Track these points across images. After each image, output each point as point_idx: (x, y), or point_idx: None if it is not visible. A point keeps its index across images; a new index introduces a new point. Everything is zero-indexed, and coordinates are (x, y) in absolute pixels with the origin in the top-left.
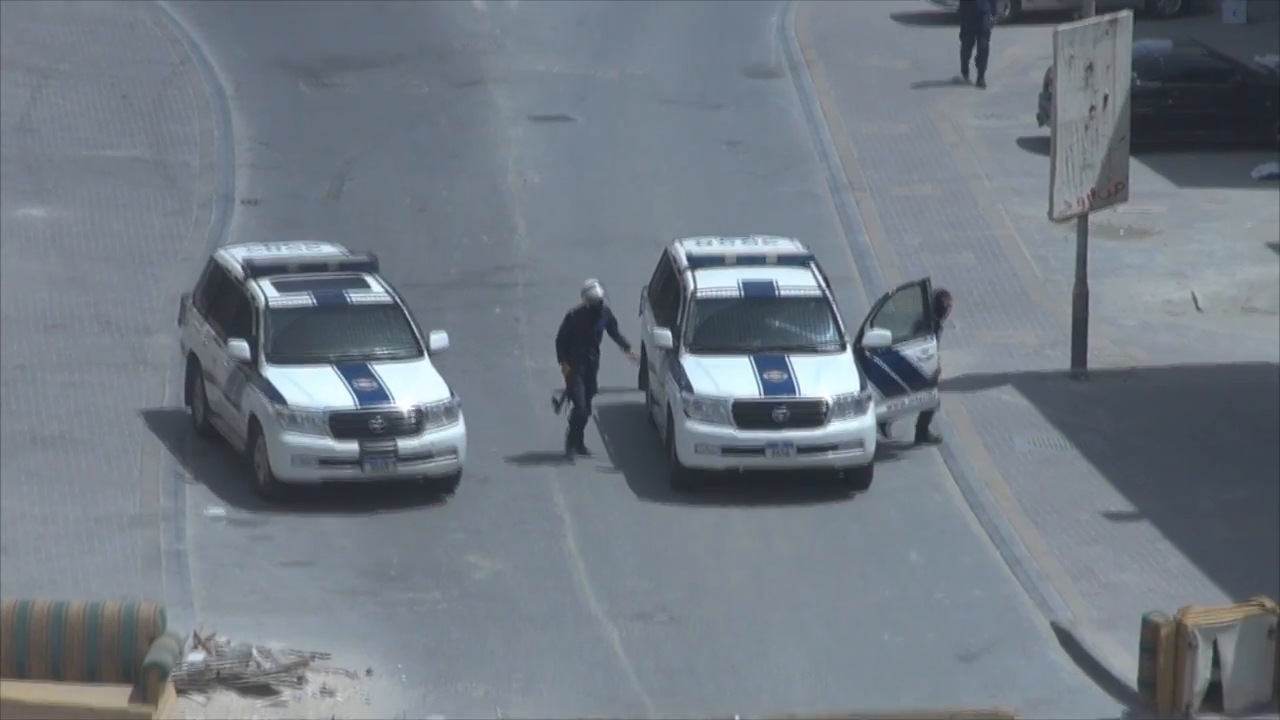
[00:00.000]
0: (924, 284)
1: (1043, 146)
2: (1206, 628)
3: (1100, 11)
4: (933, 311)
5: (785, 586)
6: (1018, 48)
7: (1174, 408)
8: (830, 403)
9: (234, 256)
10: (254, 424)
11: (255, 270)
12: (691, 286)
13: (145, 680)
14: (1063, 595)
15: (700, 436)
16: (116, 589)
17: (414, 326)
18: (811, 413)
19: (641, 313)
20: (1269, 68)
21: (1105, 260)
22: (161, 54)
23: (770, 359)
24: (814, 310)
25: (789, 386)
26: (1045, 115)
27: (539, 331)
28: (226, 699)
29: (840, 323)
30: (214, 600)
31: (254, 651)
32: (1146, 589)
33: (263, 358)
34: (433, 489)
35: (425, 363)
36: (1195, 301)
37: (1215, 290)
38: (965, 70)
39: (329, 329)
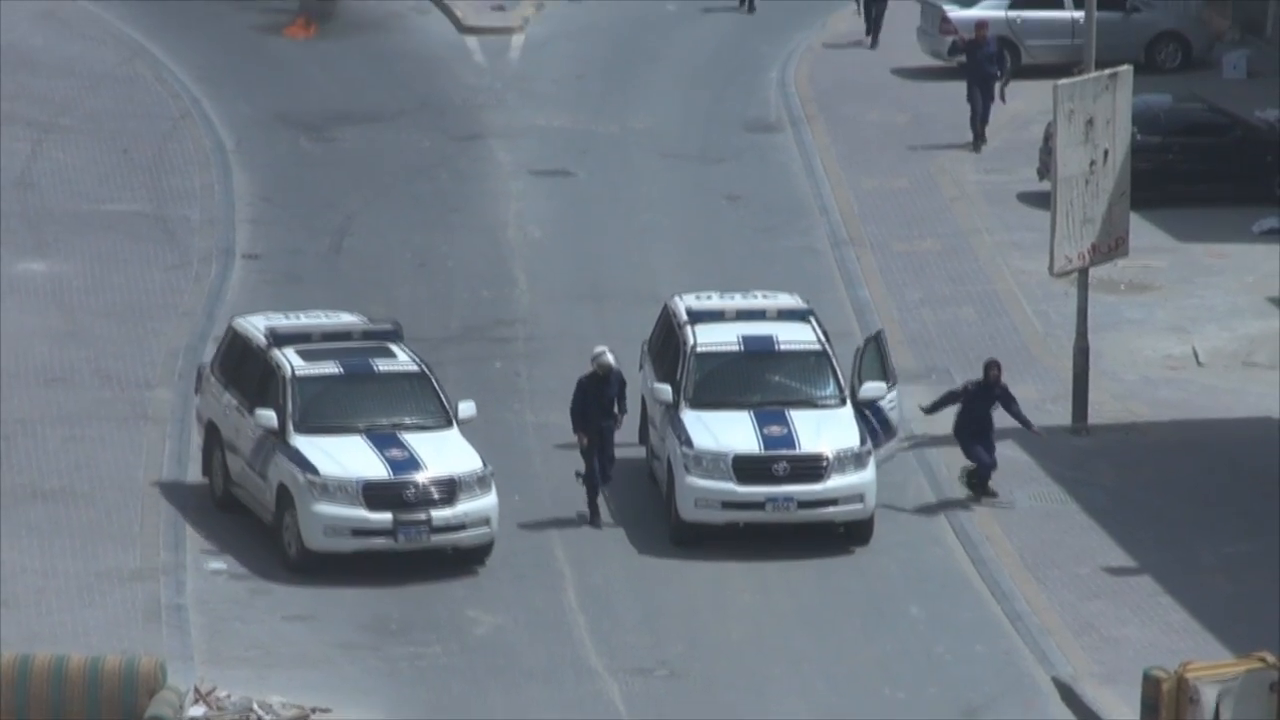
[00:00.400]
0: (878, 335)
1: (1043, 201)
2: (1208, 682)
3: (1100, 66)
4: (891, 365)
5: (786, 641)
6: (1018, 102)
7: (1175, 462)
8: (830, 457)
9: (254, 325)
10: (283, 494)
11: (279, 339)
12: (691, 341)
13: None
14: (1064, 650)
15: (700, 491)
16: (117, 643)
17: (442, 395)
18: (812, 467)
19: (641, 367)
20: (1269, 122)
21: (1106, 315)
22: (162, 108)
23: (770, 414)
24: (814, 365)
25: (789, 441)
26: (1045, 170)
27: (539, 386)
28: None
29: (840, 377)
30: (215, 654)
31: (255, 706)
32: (1148, 644)
33: (290, 427)
34: (463, 560)
35: (454, 432)
36: (1196, 356)
37: (1216, 345)
38: (976, 136)
39: (357, 398)
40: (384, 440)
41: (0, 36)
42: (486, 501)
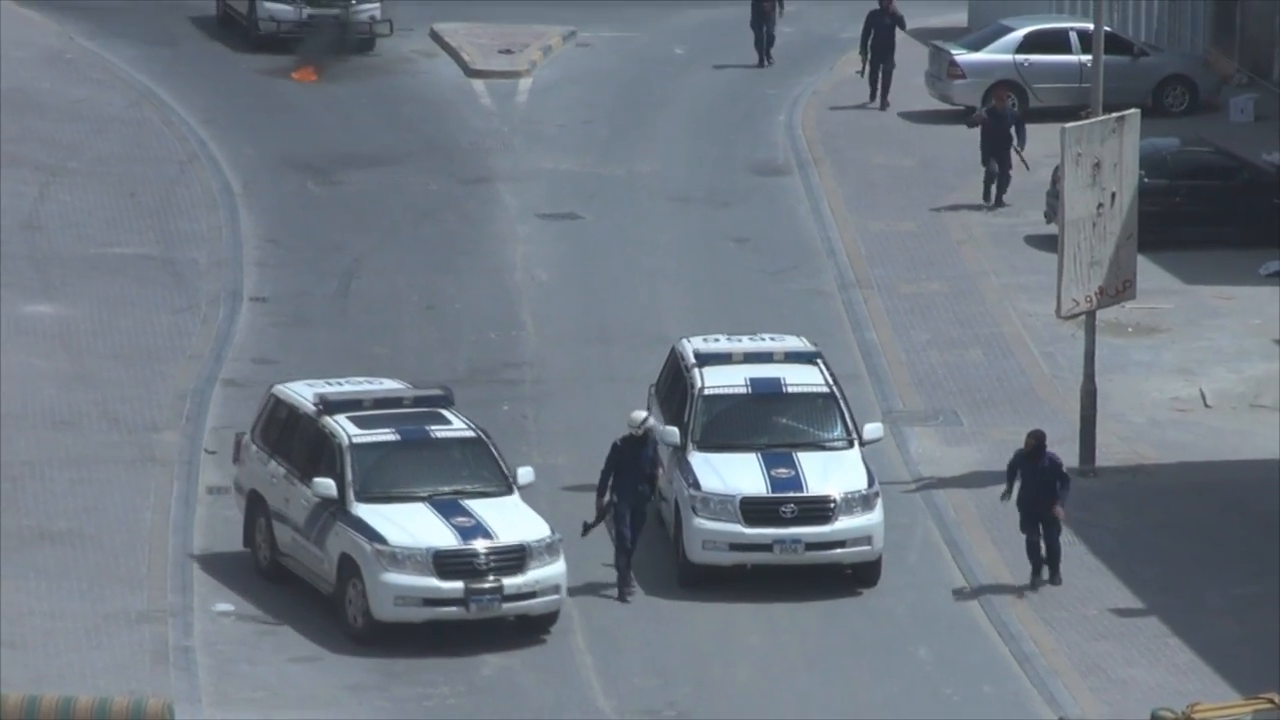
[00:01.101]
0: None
1: (1050, 244)
2: None
3: (1108, 110)
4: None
5: (793, 683)
6: (1025, 146)
7: (1182, 504)
8: (838, 499)
9: (299, 392)
10: (346, 564)
11: (330, 406)
12: (699, 384)
13: None
14: (1071, 691)
15: (708, 533)
16: (124, 685)
17: (501, 461)
18: (819, 509)
19: (649, 410)
20: (1276, 165)
21: (1113, 357)
22: (169, 151)
23: (778, 456)
24: (821, 407)
25: (796, 483)
26: (1053, 213)
27: (547, 429)
28: None
29: (848, 419)
30: (222, 696)
31: None
32: (1155, 684)
33: (351, 496)
34: (528, 628)
35: (516, 498)
36: (1203, 398)
37: (1223, 387)
38: (987, 194)
39: (415, 465)
40: (448, 507)
41: (6, 80)
42: (556, 568)
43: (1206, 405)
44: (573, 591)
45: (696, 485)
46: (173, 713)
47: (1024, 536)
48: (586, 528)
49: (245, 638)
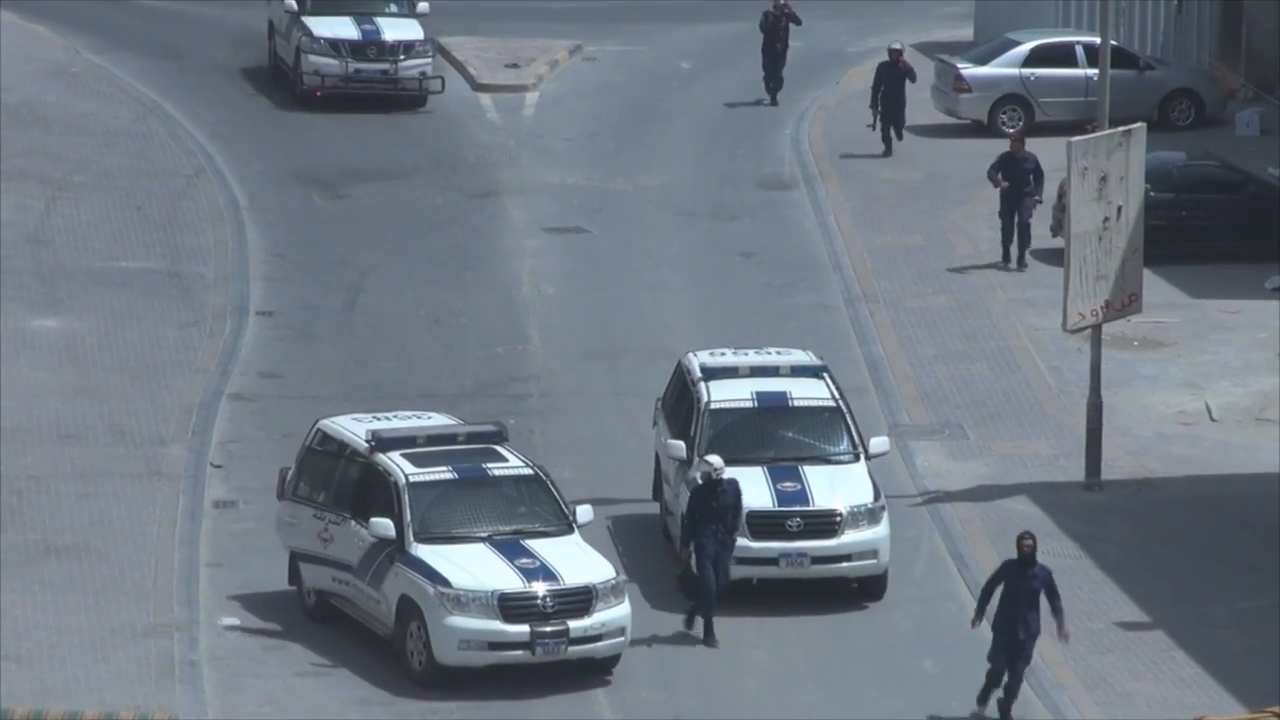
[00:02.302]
0: None
1: (1056, 258)
2: None
3: (1114, 124)
4: None
5: (799, 697)
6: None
7: (1188, 517)
8: (844, 513)
9: (347, 428)
10: (407, 606)
11: (383, 443)
12: (705, 398)
13: None
14: (1077, 705)
15: None
16: (130, 699)
17: (560, 499)
18: (825, 523)
19: (655, 424)
20: None
21: (1119, 371)
22: (176, 165)
23: (784, 470)
24: (827, 421)
25: (803, 497)
26: (1059, 226)
27: (553, 443)
28: None
29: (854, 433)
30: (228, 710)
31: None
32: (1161, 698)
33: (410, 536)
34: (589, 670)
35: (577, 537)
36: (1209, 412)
37: (1229, 400)
38: (1007, 255)
39: (473, 504)
40: (510, 548)
41: (12, 94)
42: (621, 610)
43: (1212, 419)
44: None
45: None
46: None
47: (989, 663)
48: (681, 582)
49: (251, 652)
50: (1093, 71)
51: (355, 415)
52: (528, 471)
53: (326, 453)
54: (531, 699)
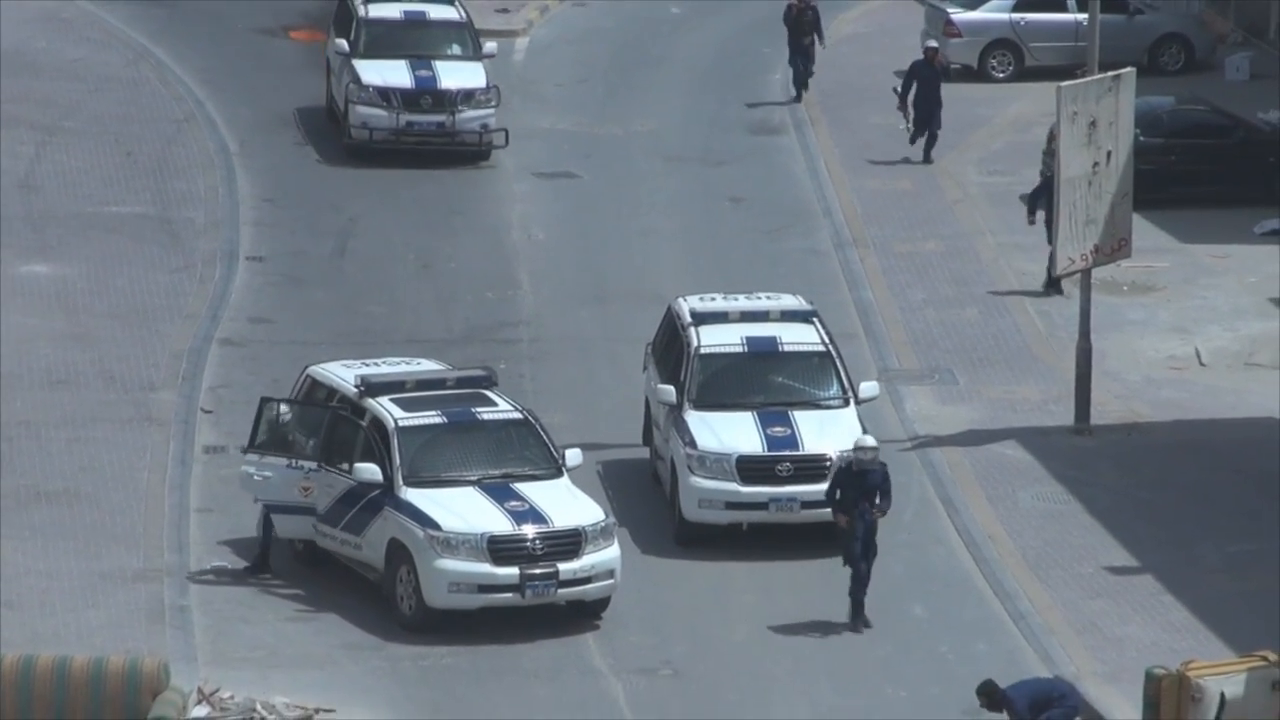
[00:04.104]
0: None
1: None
2: (1209, 681)
3: (1103, 68)
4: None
5: (789, 641)
6: (1021, 104)
7: (1177, 462)
8: (834, 458)
9: (337, 374)
10: (396, 550)
11: (372, 388)
12: (695, 343)
13: None
14: (1066, 649)
15: (704, 492)
16: (120, 644)
17: (549, 443)
18: (815, 468)
19: (645, 369)
20: (1271, 124)
21: (1108, 316)
22: (166, 111)
23: (774, 414)
24: (817, 365)
25: (792, 442)
26: (1049, 171)
27: (544, 387)
28: None
29: (844, 378)
30: (218, 655)
31: (258, 706)
32: (1150, 642)
33: (399, 480)
34: (578, 614)
35: (566, 481)
36: (1198, 356)
37: (1218, 345)
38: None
39: (463, 448)
40: (499, 492)
41: (3, 39)
42: (611, 553)
43: (1201, 363)
44: None
45: (693, 444)
46: (168, 672)
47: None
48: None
49: (241, 597)
50: (1082, 16)
51: (345, 361)
52: (517, 416)
53: (316, 399)
54: (521, 644)
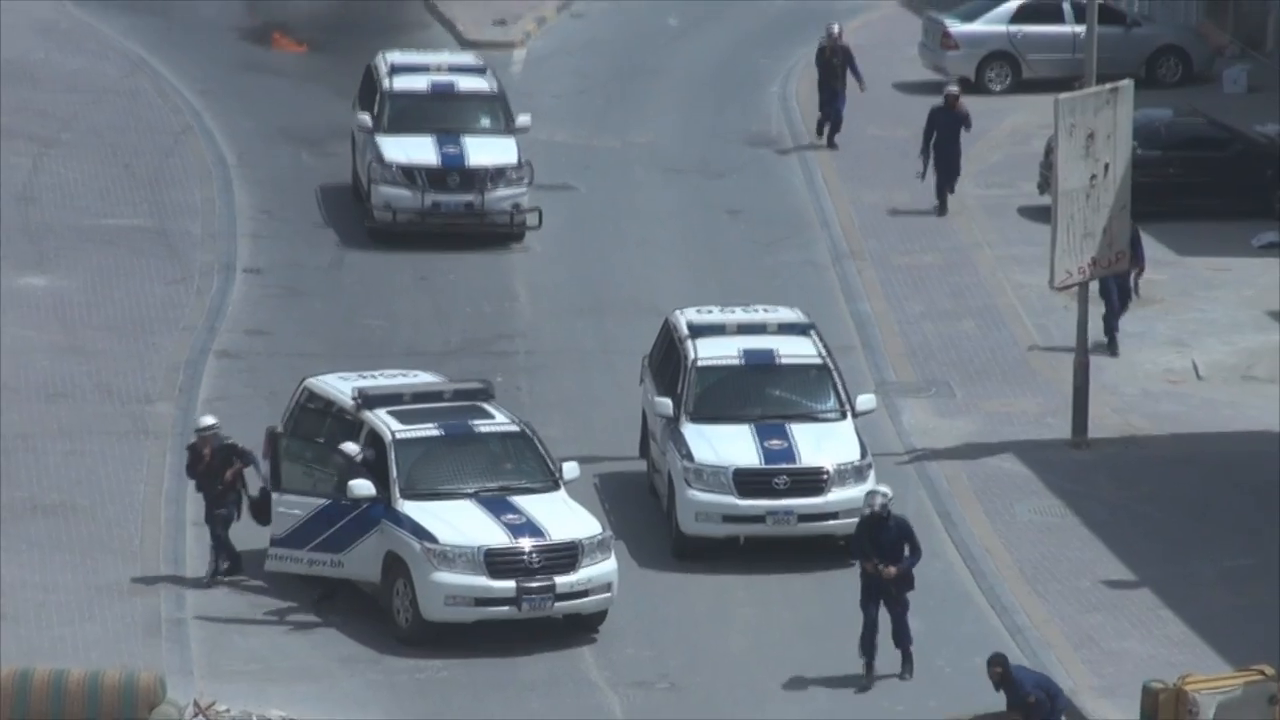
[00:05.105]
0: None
1: (1043, 215)
2: (1207, 695)
3: (1101, 80)
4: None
5: (786, 654)
6: (1018, 116)
7: (1175, 476)
8: (831, 471)
9: (334, 386)
10: (393, 563)
11: (369, 401)
12: (692, 355)
13: None
14: (1064, 663)
15: (701, 505)
16: (117, 657)
17: (546, 456)
18: (812, 481)
19: (642, 381)
20: (1269, 136)
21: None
22: (163, 123)
23: (771, 427)
24: (815, 378)
25: (790, 455)
26: (1046, 184)
27: (540, 400)
28: None
29: (841, 391)
30: (214, 668)
31: (254, 719)
32: (1147, 656)
33: (396, 493)
34: (575, 627)
35: (563, 494)
36: (1196, 370)
37: (1216, 358)
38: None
39: (460, 461)
40: (496, 505)
41: (1, 50)
42: (607, 566)
43: (1199, 377)
44: None
45: (689, 457)
46: (165, 686)
47: None
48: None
49: (238, 609)
50: (1080, 28)
51: (341, 374)
52: (514, 428)
53: (314, 411)
54: (518, 657)
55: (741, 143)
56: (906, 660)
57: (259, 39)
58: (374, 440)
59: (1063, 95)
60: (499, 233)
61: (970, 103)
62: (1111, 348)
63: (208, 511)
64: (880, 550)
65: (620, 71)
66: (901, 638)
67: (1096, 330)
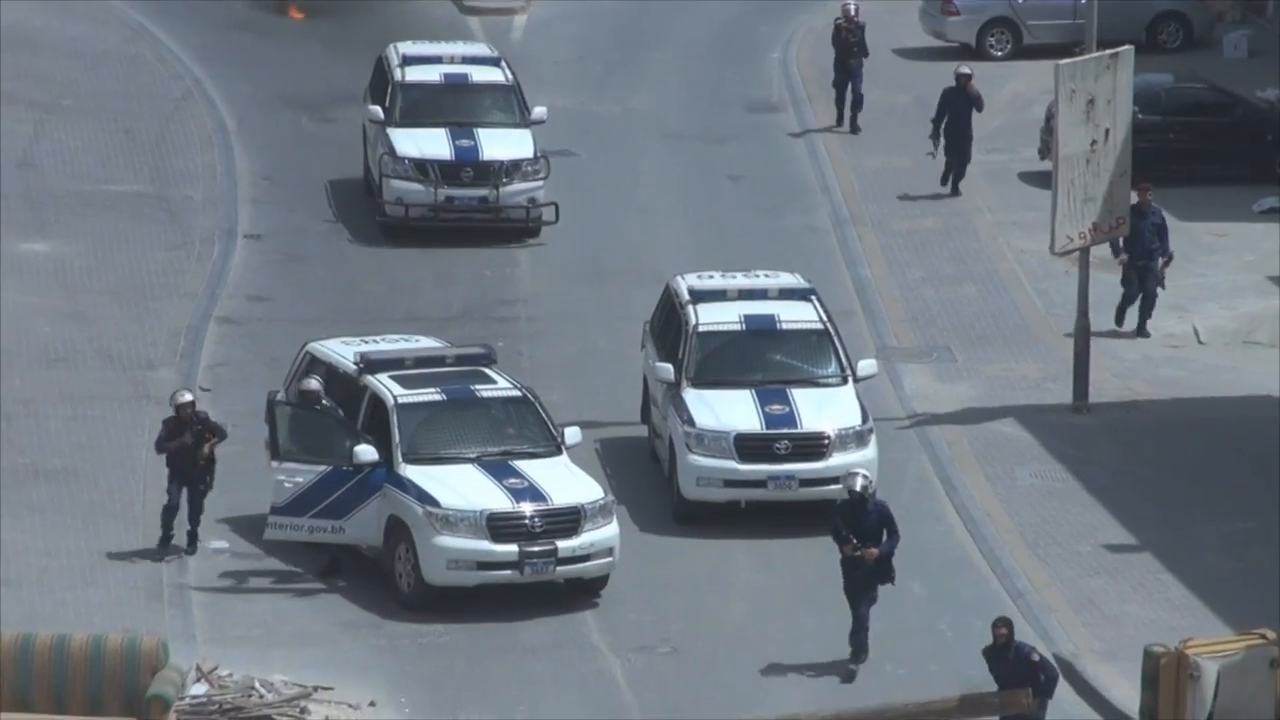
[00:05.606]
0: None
1: (1044, 181)
2: (1208, 659)
3: (1102, 46)
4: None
5: (787, 619)
6: (1019, 82)
7: (1175, 440)
8: (832, 435)
9: (336, 351)
10: (395, 527)
11: (371, 365)
12: (693, 320)
13: (148, 713)
14: (1065, 627)
15: (702, 470)
16: (119, 622)
17: (548, 420)
18: (813, 445)
19: (643, 347)
20: (1270, 101)
21: (1106, 294)
22: (164, 89)
23: (772, 392)
24: (815, 343)
25: (790, 419)
26: (1046, 149)
27: (541, 365)
28: None
29: (842, 356)
30: (217, 633)
31: (256, 684)
32: (1148, 620)
33: (399, 457)
34: (576, 592)
35: (565, 458)
36: (1196, 335)
37: (1216, 323)
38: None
39: (462, 425)
40: (498, 469)
41: (1, 17)
42: (609, 531)
43: (1200, 341)
44: None
45: (691, 422)
46: (167, 650)
47: None
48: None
49: (240, 575)
50: None
51: (344, 339)
52: (516, 393)
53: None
54: (519, 621)
55: (742, 109)
56: (860, 652)
57: (262, 5)
58: (376, 405)
59: (1063, 61)
60: (514, 228)
61: (971, 69)
62: (1141, 329)
63: (189, 487)
64: (859, 536)
65: (621, 37)
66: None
67: (1096, 293)
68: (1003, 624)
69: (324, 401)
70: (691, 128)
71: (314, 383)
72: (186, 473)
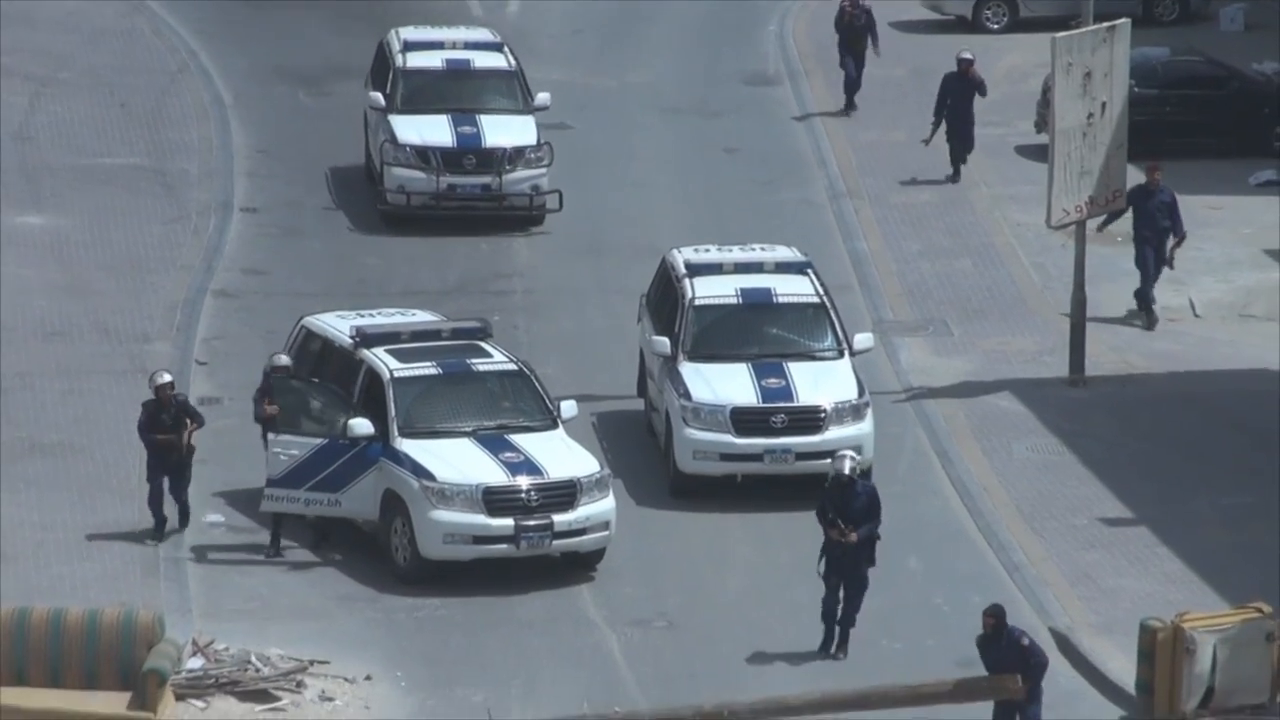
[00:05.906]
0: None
1: (1040, 154)
2: (1204, 632)
3: (1098, 19)
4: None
5: (783, 593)
6: (1015, 56)
7: (1171, 414)
8: (829, 409)
9: (332, 325)
10: (391, 501)
11: (367, 339)
12: (689, 294)
13: (144, 686)
14: (1061, 601)
15: (699, 443)
16: (116, 596)
17: (544, 394)
18: (810, 419)
19: (640, 320)
20: (1266, 75)
21: (1103, 267)
22: (160, 62)
23: (768, 366)
24: (812, 317)
25: (787, 393)
26: (1043, 123)
27: (537, 339)
28: (225, 705)
29: (838, 329)
30: (213, 607)
31: (252, 658)
32: (1144, 594)
33: (394, 431)
34: (573, 565)
35: (561, 432)
36: (1193, 308)
37: (1213, 297)
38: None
39: (458, 399)
40: (494, 443)
41: None
42: (606, 504)
43: (1196, 315)
44: None
45: (687, 395)
46: (163, 625)
47: None
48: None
49: (236, 548)
50: None
51: (339, 312)
52: (512, 367)
53: (310, 350)
54: (516, 595)
55: (739, 82)
56: (843, 640)
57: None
58: (372, 379)
59: (1060, 34)
60: (517, 216)
61: (967, 41)
62: (1149, 319)
63: (173, 474)
64: (848, 518)
65: (617, 11)
66: (848, 619)
67: (1092, 266)
68: (992, 613)
69: (293, 381)
70: (688, 101)
71: (283, 359)
72: (165, 460)
